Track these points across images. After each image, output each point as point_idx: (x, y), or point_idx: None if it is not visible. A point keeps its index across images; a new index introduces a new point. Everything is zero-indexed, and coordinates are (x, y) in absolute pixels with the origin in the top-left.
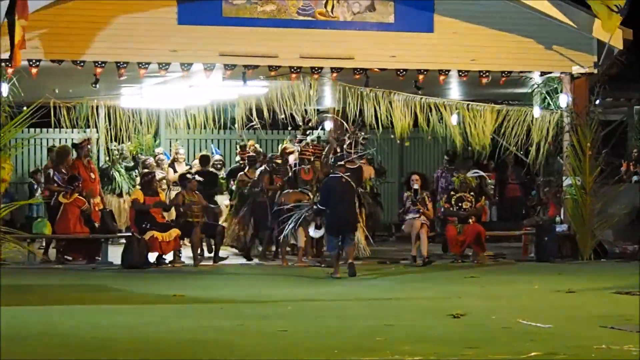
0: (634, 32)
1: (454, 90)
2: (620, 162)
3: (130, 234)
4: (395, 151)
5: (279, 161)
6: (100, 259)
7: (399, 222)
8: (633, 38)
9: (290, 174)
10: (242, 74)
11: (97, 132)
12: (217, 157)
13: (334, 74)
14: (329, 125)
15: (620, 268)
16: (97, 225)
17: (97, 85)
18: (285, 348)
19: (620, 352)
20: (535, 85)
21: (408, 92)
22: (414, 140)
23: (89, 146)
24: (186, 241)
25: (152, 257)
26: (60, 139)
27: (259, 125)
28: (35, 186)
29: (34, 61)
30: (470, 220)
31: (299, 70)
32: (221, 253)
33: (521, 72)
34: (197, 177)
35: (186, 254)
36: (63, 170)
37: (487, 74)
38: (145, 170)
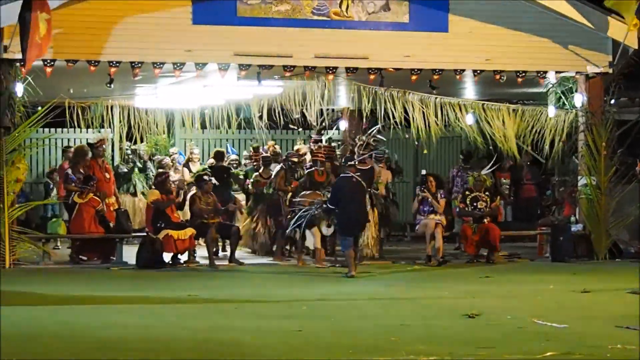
0: None
1: (469, 90)
2: (636, 161)
3: (144, 233)
4: (411, 151)
5: (295, 159)
6: (114, 258)
7: (414, 222)
8: None
9: (304, 175)
10: (257, 73)
11: (112, 132)
12: (233, 156)
13: (349, 74)
14: (343, 125)
15: (635, 268)
16: (112, 225)
17: (112, 85)
18: (299, 348)
19: (636, 352)
20: (550, 85)
21: (423, 92)
22: (428, 141)
23: (103, 146)
24: (201, 241)
25: (167, 257)
26: (75, 139)
27: (262, 127)
28: (52, 186)
29: (48, 61)
30: (485, 220)
31: (313, 70)
32: (238, 256)
33: (536, 72)
34: (214, 180)
35: (201, 254)
36: (81, 170)
37: (502, 73)
38: (160, 170)
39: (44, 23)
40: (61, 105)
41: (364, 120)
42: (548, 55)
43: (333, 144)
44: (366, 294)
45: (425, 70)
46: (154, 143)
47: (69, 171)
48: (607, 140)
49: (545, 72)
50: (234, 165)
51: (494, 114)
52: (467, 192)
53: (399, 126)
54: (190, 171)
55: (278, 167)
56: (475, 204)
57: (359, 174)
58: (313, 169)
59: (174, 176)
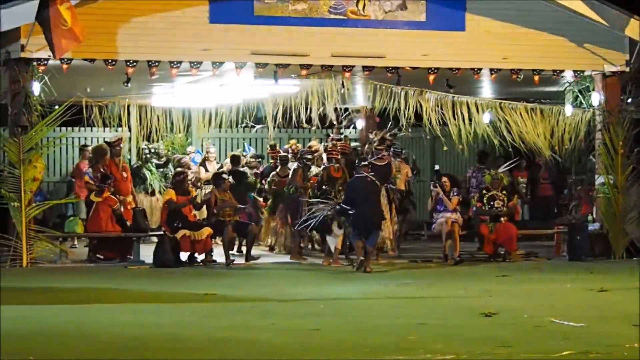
0: None
1: (485, 89)
2: None
3: (161, 232)
4: (427, 150)
5: (310, 156)
6: (132, 257)
7: (431, 221)
8: None
9: (320, 172)
10: (273, 72)
11: (129, 131)
12: (252, 153)
13: (366, 73)
14: (360, 124)
15: None
16: (129, 224)
17: (129, 84)
18: (317, 347)
19: None
20: (567, 84)
21: (440, 91)
22: (445, 140)
23: (121, 145)
24: (218, 240)
25: (184, 256)
26: (91, 138)
27: (277, 126)
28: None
29: (65, 59)
30: (502, 219)
31: (330, 68)
32: (253, 252)
33: (553, 70)
34: (231, 179)
35: (218, 252)
36: (101, 170)
37: (519, 72)
38: (178, 170)
39: (68, 12)
40: (78, 104)
41: (376, 117)
42: (565, 54)
43: (350, 143)
44: (383, 293)
45: (442, 69)
46: (170, 142)
47: (90, 170)
48: (624, 139)
49: (562, 71)
50: (253, 163)
51: (513, 113)
52: (484, 191)
53: (414, 126)
54: (206, 170)
55: (294, 165)
56: (492, 202)
57: (372, 173)
58: (329, 165)
59: (190, 174)
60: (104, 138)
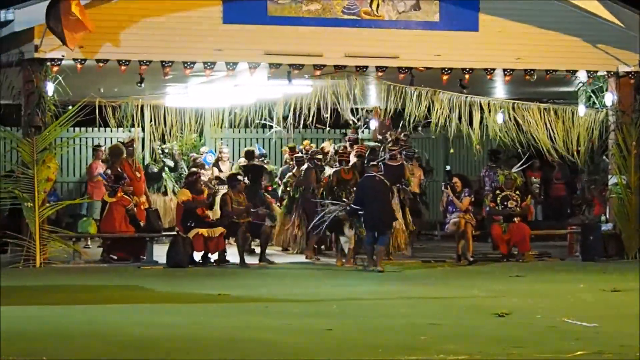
0: None
1: (499, 89)
2: None
3: (175, 232)
4: (441, 150)
5: (320, 156)
6: (145, 257)
7: (444, 221)
8: None
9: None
10: (287, 73)
11: (143, 131)
12: (258, 153)
13: (379, 73)
14: (374, 124)
15: None
16: (142, 224)
17: (143, 85)
18: (330, 347)
19: None
20: (581, 84)
21: (453, 91)
22: (458, 140)
23: (134, 145)
24: (231, 240)
25: (197, 256)
26: (105, 138)
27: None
28: None
29: (79, 60)
30: (515, 219)
31: (344, 68)
32: (269, 256)
33: (566, 70)
34: (246, 180)
35: (231, 252)
36: (118, 169)
37: (533, 72)
38: (192, 170)
39: (77, 8)
40: (91, 104)
41: (388, 117)
42: (578, 54)
43: (366, 144)
44: (396, 293)
45: (456, 69)
46: (183, 142)
47: (107, 170)
48: (637, 139)
49: (576, 71)
50: (260, 162)
51: (526, 113)
52: (497, 191)
53: (426, 125)
54: (220, 170)
55: (305, 166)
56: (505, 203)
57: (385, 173)
58: (340, 167)
59: (204, 174)
60: (118, 138)
